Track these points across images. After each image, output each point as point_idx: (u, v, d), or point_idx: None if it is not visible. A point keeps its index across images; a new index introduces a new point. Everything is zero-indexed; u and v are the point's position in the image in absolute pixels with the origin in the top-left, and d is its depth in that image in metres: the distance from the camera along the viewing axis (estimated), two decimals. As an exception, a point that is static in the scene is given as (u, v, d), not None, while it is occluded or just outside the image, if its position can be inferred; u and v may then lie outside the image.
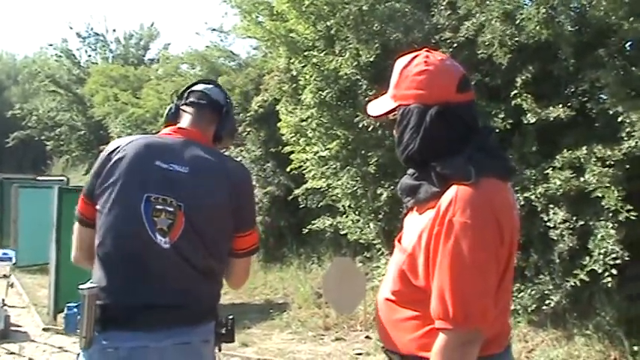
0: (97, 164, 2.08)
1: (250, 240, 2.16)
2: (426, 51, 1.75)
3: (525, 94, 5.48)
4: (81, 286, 1.96)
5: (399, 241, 1.76)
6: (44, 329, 7.14)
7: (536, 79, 5.58)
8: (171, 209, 1.98)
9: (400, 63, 1.75)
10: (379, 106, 1.80)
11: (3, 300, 6.89)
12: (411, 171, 1.77)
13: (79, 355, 2.02)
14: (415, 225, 1.67)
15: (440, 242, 1.55)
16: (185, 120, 2.21)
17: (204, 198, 2.02)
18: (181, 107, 2.23)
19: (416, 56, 1.73)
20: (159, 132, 2.23)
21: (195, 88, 2.28)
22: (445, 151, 1.64)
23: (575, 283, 5.15)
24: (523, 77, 5.52)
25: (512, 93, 5.57)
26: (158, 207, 1.97)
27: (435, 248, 1.56)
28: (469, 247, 1.52)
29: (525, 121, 5.52)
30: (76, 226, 2.14)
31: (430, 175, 1.64)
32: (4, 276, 7.60)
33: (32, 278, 10.42)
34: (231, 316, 2.13)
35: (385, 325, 1.75)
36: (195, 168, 2.04)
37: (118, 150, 2.06)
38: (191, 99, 2.24)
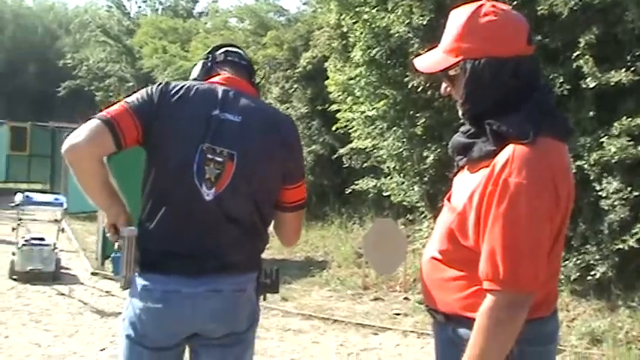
0: (156, 93, 2.02)
1: (299, 193, 2.15)
2: (489, 1, 1.64)
3: (587, 57, 5.27)
4: (121, 228, 2.00)
5: (449, 199, 1.71)
6: (92, 273, 7.39)
7: (599, 41, 5.35)
8: (220, 159, 1.98)
9: (461, 14, 1.62)
10: (433, 61, 1.69)
11: (54, 244, 7.13)
12: (464, 128, 1.70)
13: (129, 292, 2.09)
14: (466, 184, 1.62)
15: (493, 202, 1.50)
16: (228, 73, 2.17)
17: (256, 148, 2.02)
18: (217, 65, 2.20)
19: (480, 6, 1.61)
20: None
21: (230, 49, 2.27)
22: (507, 108, 1.56)
23: (623, 248, 5.01)
24: (586, 38, 5.29)
25: (575, 55, 5.35)
26: (209, 156, 1.97)
27: (488, 208, 1.52)
28: (524, 208, 1.48)
29: (584, 86, 5.33)
30: (94, 125, 1.96)
31: (485, 133, 1.57)
32: (56, 220, 7.84)
33: (81, 225, 10.76)
34: (276, 268, 2.14)
35: (430, 284, 1.73)
36: (247, 118, 2.03)
37: (177, 90, 2.03)
38: (229, 58, 2.22)
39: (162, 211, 1.98)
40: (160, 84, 2.08)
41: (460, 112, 1.69)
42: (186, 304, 1.96)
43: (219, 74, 2.16)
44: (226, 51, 2.25)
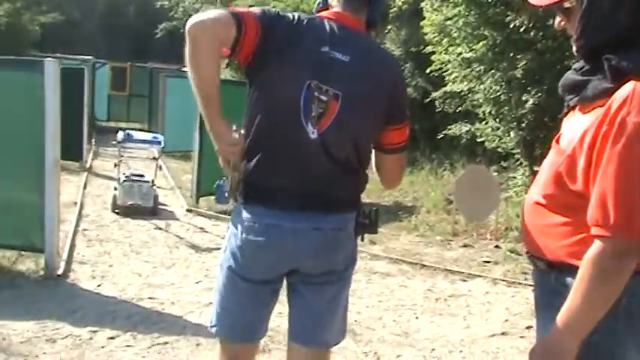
0: (274, 16, 1.99)
1: (402, 134, 2.13)
2: None
3: None
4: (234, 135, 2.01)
5: (557, 141, 1.62)
6: (187, 210, 7.67)
7: None
8: (325, 98, 1.97)
9: None
10: None
11: (152, 180, 7.44)
12: (577, 65, 1.60)
13: (230, 223, 2.12)
14: (577, 125, 1.53)
15: (608, 143, 1.41)
16: (338, 7, 2.11)
17: (363, 87, 2.00)
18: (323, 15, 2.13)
19: None
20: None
21: None
22: (629, 42, 1.46)
23: None
24: None
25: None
26: (316, 94, 1.97)
27: (601, 149, 1.43)
28: None
29: None
30: (224, 13, 1.93)
31: (601, 70, 1.47)
32: (154, 158, 8.15)
33: (177, 163, 11.16)
34: (375, 208, 2.13)
35: (532, 229, 1.65)
36: (355, 56, 2.00)
37: (289, 20, 2.00)
38: None
39: (269, 145, 1.99)
40: (276, 10, 2.05)
41: (574, 48, 1.59)
42: (288, 238, 1.99)
43: (328, 8, 2.11)
44: None
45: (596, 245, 1.44)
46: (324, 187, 2.00)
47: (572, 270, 1.49)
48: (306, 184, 1.99)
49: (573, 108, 1.61)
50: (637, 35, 1.47)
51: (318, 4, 2.18)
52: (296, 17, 2.02)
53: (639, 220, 1.42)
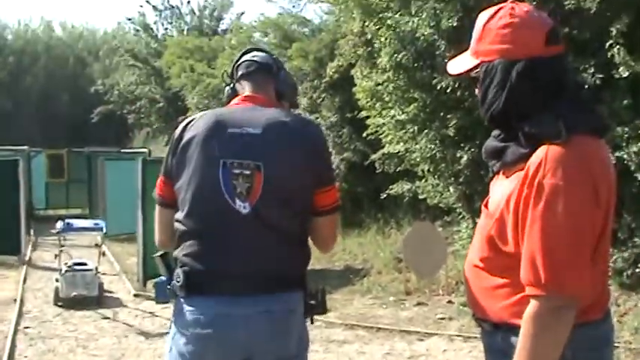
0: (172, 144, 2.11)
1: (331, 196, 2.14)
2: (511, 3, 1.64)
3: (618, 46, 5.15)
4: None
5: (486, 205, 1.69)
6: (135, 295, 7.47)
7: (630, 29, 5.22)
8: (248, 172, 1.99)
9: (483, 17, 1.64)
10: (459, 63, 1.71)
11: (96, 268, 7.23)
12: (495, 132, 1.68)
13: (171, 321, 2.07)
14: (502, 189, 1.60)
15: (530, 206, 1.49)
16: (246, 91, 2.20)
17: (281, 156, 2.02)
18: (236, 84, 2.24)
19: (500, 9, 1.62)
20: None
21: (239, 61, 2.28)
22: (532, 109, 1.55)
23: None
24: (617, 27, 5.17)
25: (608, 44, 5.23)
26: (235, 171, 1.98)
27: (525, 212, 1.50)
28: (561, 209, 1.45)
29: (617, 76, 5.20)
30: (158, 209, 2.17)
31: (517, 136, 1.55)
32: (97, 245, 7.96)
33: (121, 247, 10.90)
34: (322, 287, 2.12)
35: (475, 292, 1.70)
36: (267, 128, 2.03)
37: (189, 127, 2.08)
38: (240, 72, 2.24)
39: (202, 232, 1.98)
40: (178, 129, 2.13)
41: (482, 116, 1.68)
42: (239, 327, 1.93)
43: (238, 95, 2.20)
44: (237, 66, 2.26)
45: (533, 304, 1.50)
46: (267, 265, 1.97)
47: (517, 329, 1.53)
48: (248, 265, 1.96)
49: (498, 172, 1.69)
50: (543, 101, 1.55)
51: (228, 95, 2.25)
52: (196, 118, 2.11)
53: (569, 275, 1.47)
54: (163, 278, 2.08)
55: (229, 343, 1.95)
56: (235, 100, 2.19)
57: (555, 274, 1.47)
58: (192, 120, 2.11)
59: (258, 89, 2.18)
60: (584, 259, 1.50)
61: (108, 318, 6.47)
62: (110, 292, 7.59)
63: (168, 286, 2.04)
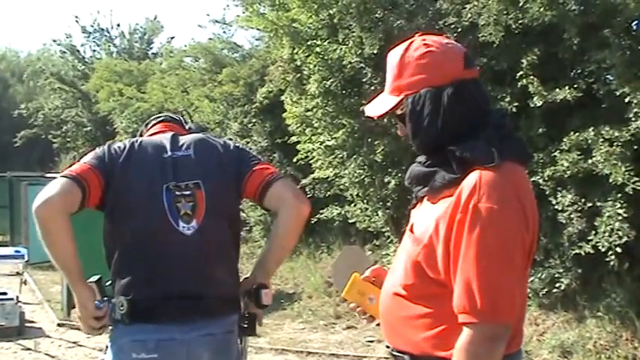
0: (107, 153, 2.11)
1: (264, 171, 2.14)
2: (419, 35, 1.66)
3: (531, 77, 5.45)
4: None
5: (411, 230, 1.64)
6: (59, 324, 7.22)
7: (542, 61, 5.54)
8: (188, 192, 2.05)
9: (395, 54, 1.65)
10: (380, 105, 1.69)
11: (17, 297, 6.96)
12: (421, 159, 1.66)
13: (107, 347, 2.06)
14: (429, 214, 1.57)
15: (464, 230, 1.45)
16: (162, 124, 2.37)
17: (213, 170, 2.11)
18: (150, 127, 2.36)
19: (411, 43, 1.64)
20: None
21: (157, 116, 2.46)
22: (464, 134, 1.54)
23: (580, 253, 5.17)
24: (528, 59, 5.49)
25: (518, 75, 5.54)
26: (177, 193, 2.04)
27: (458, 237, 1.46)
28: (497, 234, 1.44)
29: (532, 105, 5.49)
30: (65, 181, 1.99)
31: (446, 161, 1.54)
32: (18, 273, 7.66)
33: (44, 275, 10.49)
34: (252, 311, 2.15)
35: (394, 322, 1.64)
36: (196, 149, 2.15)
37: (122, 147, 2.13)
38: (158, 120, 2.39)
39: (144, 258, 2.00)
40: (106, 145, 2.17)
41: (414, 148, 1.67)
42: (181, 351, 1.96)
43: (154, 126, 2.33)
44: (152, 118, 2.43)
45: (466, 333, 1.45)
46: (210, 289, 2.02)
47: None
48: (192, 289, 1.99)
49: (421, 199, 1.65)
50: (470, 127, 1.55)
51: (146, 124, 2.37)
52: (127, 143, 2.15)
53: (505, 304, 1.45)
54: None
55: None
56: (155, 129, 2.30)
57: (491, 300, 1.43)
58: (122, 143, 2.16)
59: (172, 122, 2.38)
60: (516, 285, 1.48)
61: (29, 349, 6.22)
62: (32, 321, 7.30)
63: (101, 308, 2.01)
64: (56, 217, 1.94)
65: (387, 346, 1.69)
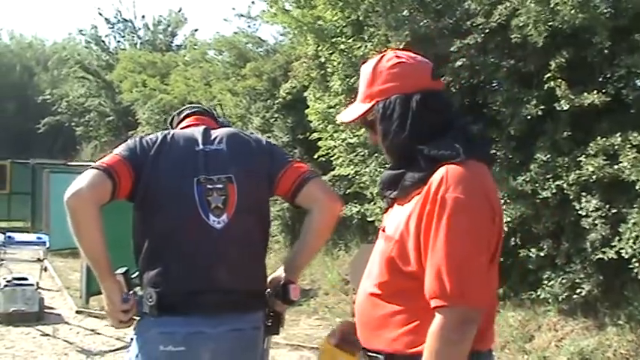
0: (139, 145, 2.10)
1: (299, 168, 2.16)
2: (392, 50, 1.82)
3: (559, 80, 5.39)
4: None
5: (383, 230, 1.73)
6: (77, 312, 7.29)
7: (570, 64, 5.48)
8: (220, 186, 2.04)
9: (369, 64, 1.79)
10: (351, 112, 1.82)
11: (37, 283, 7.04)
12: (390, 165, 1.78)
13: (132, 339, 2.06)
14: (400, 213, 1.66)
15: (433, 219, 1.54)
16: (194, 115, 2.34)
17: (245, 165, 2.11)
18: (181, 121, 2.34)
19: (383, 55, 1.78)
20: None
21: (187, 106, 2.45)
22: (432, 135, 1.65)
23: (603, 259, 5.10)
24: (557, 61, 5.42)
25: (546, 77, 5.47)
26: (209, 187, 2.03)
27: (428, 226, 1.55)
28: (464, 221, 1.52)
29: (558, 108, 5.44)
30: (96, 172, 1.98)
31: (414, 163, 1.64)
32: (38, 260, 7.74)
33: (64, 262, 10.62)
34: (277, 309, 2.15)
35: (368, 322, 1.70)
36: (228, 143, 2.14)
37: (154, 140, 2.12)
38: (189, 111, 2.35)
39: (173, 251, 2.00)
40: (138, 136, 2.17)
41: (385, 152, 1.78)
42: (209, 345, 1.97)
43: (186, 118, 2.31)
44: (185, 108, 2.40)
45: (438, 318, 1.51)
46: (239, 284, 2.02)
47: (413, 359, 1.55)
48: (219, 282, 1.99)
49: (393, 202, 1.74)
50: (437, 131, 1.65)
51: (172, 119, 2.37)
52: (159, 136, 2.14)
53: (474, 287, 1.52)
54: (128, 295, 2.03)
55: None
56: (186, 122, 2.29)
57: (460, 284, 1.50)
58: (154, 136, 2.15)
59: (203, 114, 2.35)
60: (484, 271, 1.56)
61: (48, 335, 6.29)
62: (51, 308, 7.37)
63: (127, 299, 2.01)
64: (86, 208, 1.95)
65: (363, 349, 1.73)
